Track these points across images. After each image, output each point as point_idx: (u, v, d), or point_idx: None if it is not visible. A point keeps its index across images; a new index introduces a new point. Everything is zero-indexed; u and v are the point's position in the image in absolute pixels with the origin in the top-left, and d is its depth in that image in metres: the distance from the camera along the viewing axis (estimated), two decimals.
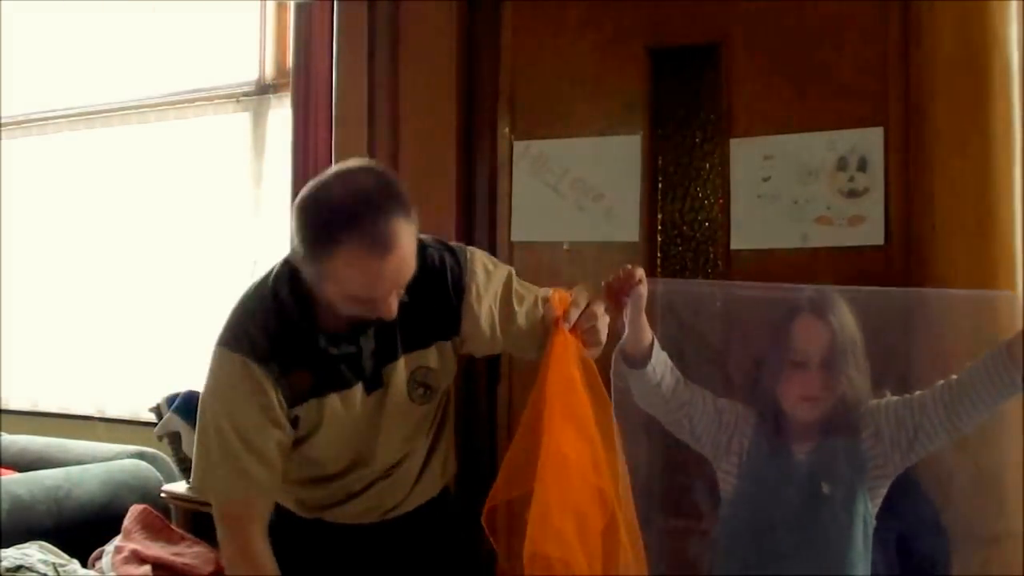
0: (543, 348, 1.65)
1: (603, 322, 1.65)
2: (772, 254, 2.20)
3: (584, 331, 1.62)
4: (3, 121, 4.45)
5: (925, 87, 2.03)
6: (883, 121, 2.10)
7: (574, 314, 1.61)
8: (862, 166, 2.11)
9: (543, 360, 1.60)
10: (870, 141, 2.11)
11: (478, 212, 2.56)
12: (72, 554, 2.98)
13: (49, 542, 2.99)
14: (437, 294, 1.71)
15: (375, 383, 1.69)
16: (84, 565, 2.99)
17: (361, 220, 1.48)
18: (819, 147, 2.16)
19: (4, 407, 4.31)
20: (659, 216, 2.37)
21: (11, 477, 3.29)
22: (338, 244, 1.48)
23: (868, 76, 2.12)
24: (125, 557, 2.92)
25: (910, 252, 2.06)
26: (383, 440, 1.74)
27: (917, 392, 1.74)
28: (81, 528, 3.16)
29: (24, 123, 4.46)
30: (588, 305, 1.63)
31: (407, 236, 1.52)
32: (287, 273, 1.65)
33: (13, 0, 4.37)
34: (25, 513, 3.08)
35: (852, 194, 2.12)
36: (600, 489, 1.56)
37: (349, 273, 1.50)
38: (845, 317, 1.76)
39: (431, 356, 1.73)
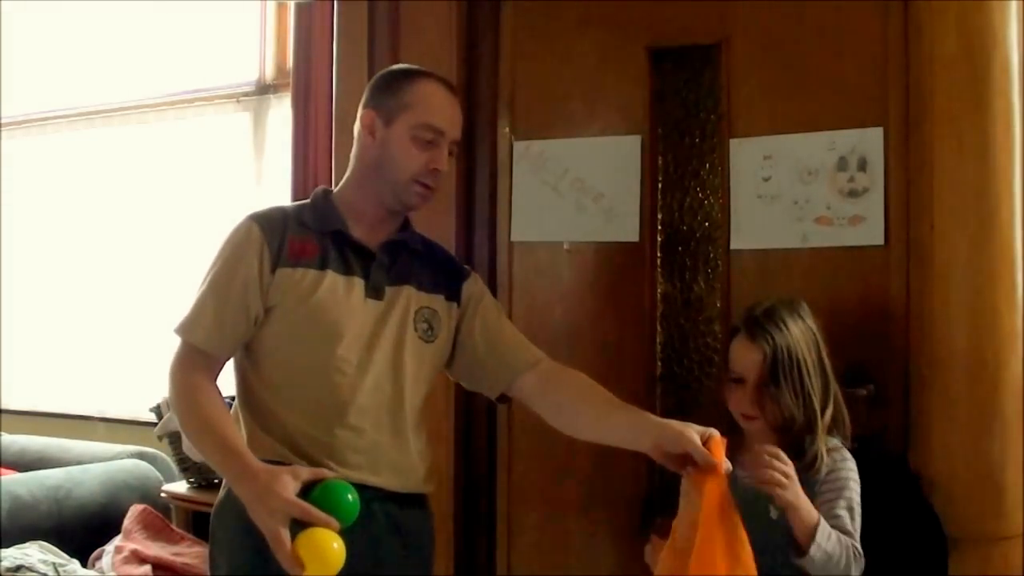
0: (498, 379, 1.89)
1: None
2: (772, 254, 2.20)
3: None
4: (3, 121, 4.45)
5: (925, 87, 2.03)
6: (883, 121, 2.10)
7: (727, 462, 1.60)
8: (862, 166, 2.11)
9: (701, 506, 1.55)
10: (870, 141, 2.11)
11: (478, 212, 2.56)
12: (72, 554, 2.98)
13: (49, 542, 3.00)
14: (442, 261, 1.95)
15: (375, 291, 1.81)
16: (84, 565, 3.00)
17: (434, 74, 1.88)
18: (819, 147, 2.16)
19: (4, 407, 4.31)
20: (659, 216, 2.37)
21: (11, 477, 3.29)
22: (420, 78, 1.85)
23: (868, 76, 2.12)
24: (125, 557, 2.93)
25: (910, 252, 2.06)
26: (380, 360, 1.79)
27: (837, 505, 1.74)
28: (81, 528, 3.16)
29: (24, 123, 4.46)
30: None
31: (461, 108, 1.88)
32: (320, 190, 1.92)
33: (13, 0, 4.37)
34: (25, 513, 3.08)
35: (852, 194, 2.12)
36: None
37: (428, 94, 1.82)
38: (787, 338, 1.77)
39: (436, 302, 1.88)
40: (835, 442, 1.80)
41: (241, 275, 1.77)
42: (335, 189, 1.92)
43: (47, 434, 3.89)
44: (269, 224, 1.81)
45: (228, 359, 1.83)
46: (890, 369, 2.04)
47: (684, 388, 2.35)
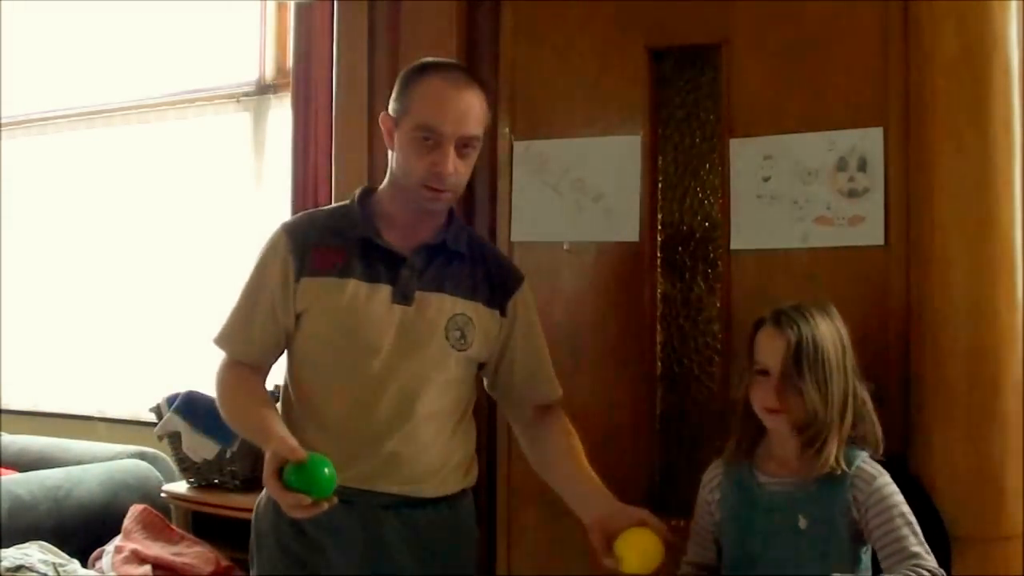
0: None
1: None
2: (772, 254, 2.20)
3: None
4: (3, 121, 4.45)
5: (925, 87, 2.03)
6: (883, 121, 2.10)
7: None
8: (862, 166, 2.11)
9: None
10: (870, 141, 2.11)
11: (478, 212, 2.55)
12: (72, 554, 2.98)
13: (49, 542, 3.00)
14: (490, 267, 1.92)
15: (404, 297, 1.80)
16: (84, 565, 3.00)
17: (447, 67, 1.86)
18: (819, 147, 2.15)
19: (4, 407, 4.31)
20: (659, 216, 2.37)
21: (11, 477, 3.29)
22: (423, 76, 1.81)
23: (868, 76, 2.11)
24: (125, 557, 2.93)
25: (910, 252, 2.05)
26: (406, 367, 1.79)
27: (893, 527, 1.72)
28: (81, 528, 3.16)
29: (24, 123, 4.46)
30: None
31: (479, 99, 1.82)
32: (360, 191, 1.92)
33: (13, 0, 4.37)
34: (25, 513, 3.08)
35: (852, 194, 2.12)
36: None
37: (425, 93, 1.78)
38: (815, 331, 1.75)
39: (471, 308, 1.86)
40: (865, 455, 1.77)
41: (268, 284, 1.82)
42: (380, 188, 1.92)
43: (47, 434, 3.89)
44: (297, 233, 1.84)
45: (269, 367, 1.88)
46: (890, 369, 2.04)
47: (684, 388, 2.35)
